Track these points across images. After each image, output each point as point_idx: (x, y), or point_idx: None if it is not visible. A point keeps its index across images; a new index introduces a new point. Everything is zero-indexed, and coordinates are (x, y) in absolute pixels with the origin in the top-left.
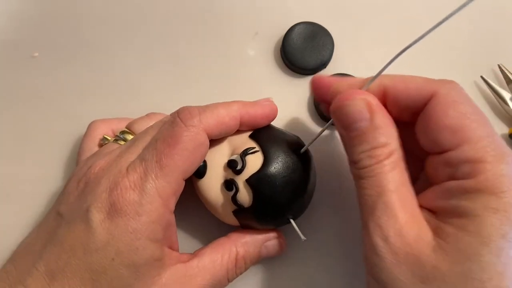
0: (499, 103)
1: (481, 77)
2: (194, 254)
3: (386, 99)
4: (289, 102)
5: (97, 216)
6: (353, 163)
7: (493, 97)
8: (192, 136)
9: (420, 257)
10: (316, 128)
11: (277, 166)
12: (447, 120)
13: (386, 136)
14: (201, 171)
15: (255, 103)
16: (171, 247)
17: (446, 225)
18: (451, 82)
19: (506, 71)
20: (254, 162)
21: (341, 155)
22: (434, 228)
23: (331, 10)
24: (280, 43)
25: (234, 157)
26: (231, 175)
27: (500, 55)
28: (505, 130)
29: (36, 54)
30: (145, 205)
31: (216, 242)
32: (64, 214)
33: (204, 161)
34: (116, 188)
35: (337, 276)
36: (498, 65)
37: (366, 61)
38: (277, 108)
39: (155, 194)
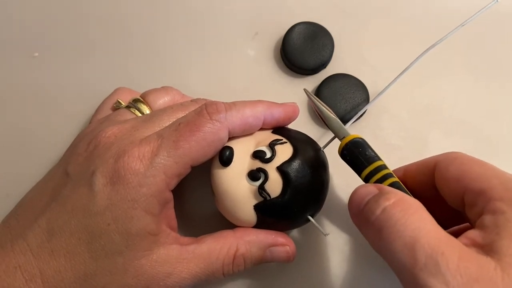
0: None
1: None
2: (194, 240)
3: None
4: None
5: (101, 181)
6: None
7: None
8: (214, 129)
9: None
10: (316, 128)
11: (307, 156)
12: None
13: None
14: (228, 158)
15: (279, 105)
16: (169, 226)
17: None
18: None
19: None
20: (284, 152)
21: None
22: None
23: (331, 10)
24: (280, 43)
25: (261, 147)
26: (258, 165)
27: None
28: None
29: (36, 54)
30: (148, 177)
31: (219, 233)
32: (72, 174)
33: (231, 148)
34: (123, 155)
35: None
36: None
37: (366, 61)
38: (299, 110)
39: (161, 170)
